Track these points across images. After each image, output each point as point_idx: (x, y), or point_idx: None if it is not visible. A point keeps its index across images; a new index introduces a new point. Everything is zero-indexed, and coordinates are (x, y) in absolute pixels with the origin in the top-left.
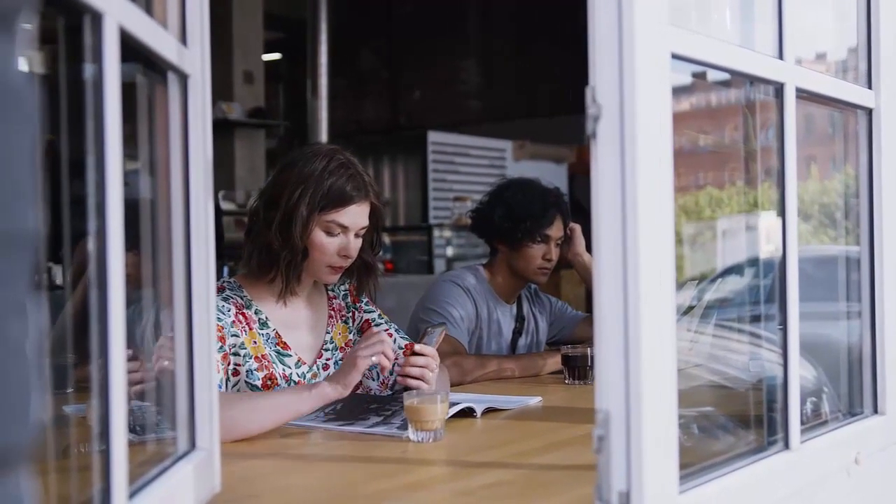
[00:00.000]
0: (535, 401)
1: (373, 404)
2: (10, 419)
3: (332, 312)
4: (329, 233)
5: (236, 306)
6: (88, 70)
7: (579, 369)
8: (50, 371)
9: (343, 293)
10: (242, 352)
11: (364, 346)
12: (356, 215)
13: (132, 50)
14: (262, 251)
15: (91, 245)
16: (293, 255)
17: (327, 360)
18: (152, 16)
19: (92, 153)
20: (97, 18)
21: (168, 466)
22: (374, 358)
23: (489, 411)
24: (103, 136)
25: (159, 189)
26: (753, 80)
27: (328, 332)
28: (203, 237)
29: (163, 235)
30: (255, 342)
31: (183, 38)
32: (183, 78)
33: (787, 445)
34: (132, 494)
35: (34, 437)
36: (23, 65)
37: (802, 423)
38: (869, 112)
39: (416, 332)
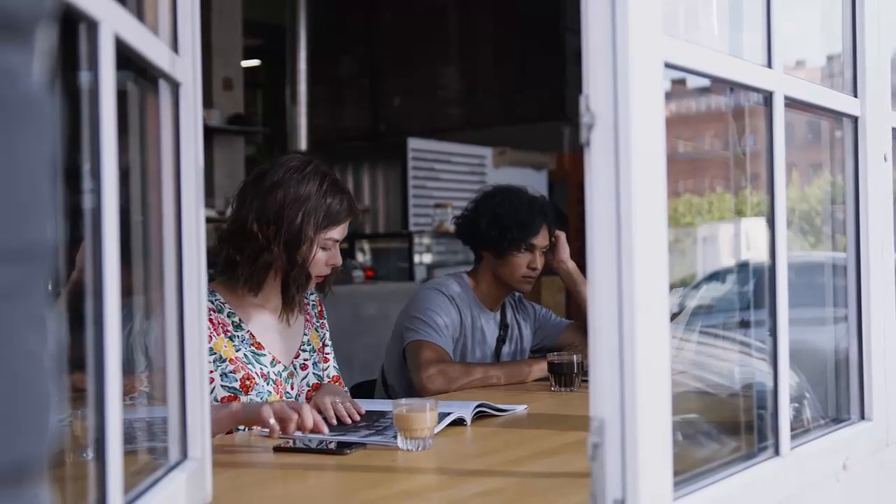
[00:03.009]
0: (521, 408)
1: (362, 421)
2: (31, 432)
3: (308, 316)
4: (324, 248)
5: None
6: (83, 77)
7: (565, 376)
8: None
9: (312, 303)
10: (212, 357)
11: (279, 411)
12: (346, 228)
13: (124, 57)
14: (261, 270)
15: (84, 253)
16: (302, 274)
17: (305, 360)
18: (144, 23)
19: (87, 161)
20: (93, 26)
21: (160, 477)
22: (272, 421)
23: (479, 416)
24: (99, 144)
25: (150, 197)
26: (743, 88)
27: (305, 334)
28: (195, 246)
29: (153, 244)
30: (225, 346)
31: (175, 46)
32: (175, 86)
33: (777, 452)
34: None
35: (52, 449)
36: (40, 76)
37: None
38: (854, 120)
39: (401, 341)
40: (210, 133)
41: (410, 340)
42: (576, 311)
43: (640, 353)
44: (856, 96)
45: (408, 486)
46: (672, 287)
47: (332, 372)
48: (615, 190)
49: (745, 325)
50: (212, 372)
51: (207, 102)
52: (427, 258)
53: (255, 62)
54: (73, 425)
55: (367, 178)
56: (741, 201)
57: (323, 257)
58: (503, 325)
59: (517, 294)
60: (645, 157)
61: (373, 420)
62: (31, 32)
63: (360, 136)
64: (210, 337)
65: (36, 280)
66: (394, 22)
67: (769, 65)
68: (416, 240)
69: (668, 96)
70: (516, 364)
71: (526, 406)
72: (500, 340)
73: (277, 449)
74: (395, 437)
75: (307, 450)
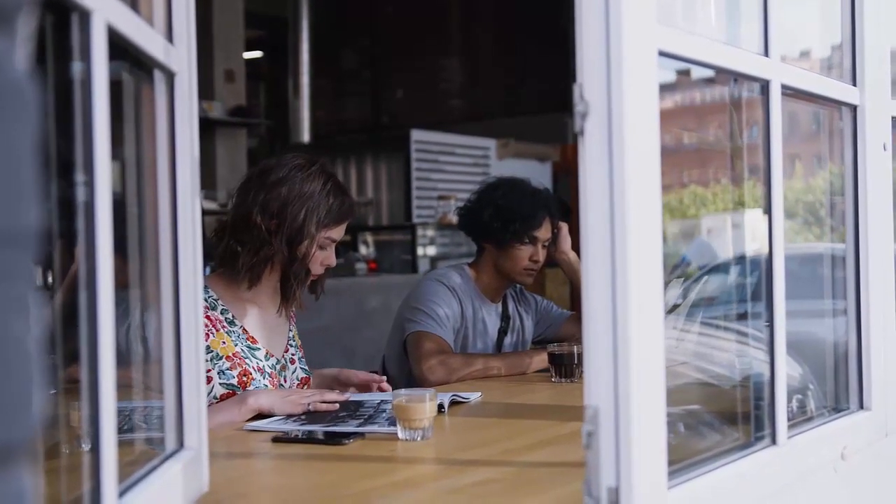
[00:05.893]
0: (476, 396)
1: (342, 411)
2: (14, 415)
3: (292, 313)
4: (322, 247)
5: None
6: (76, 68)
7: (566, 367)
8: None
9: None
10: (209, 355)
11: (308, 395)
12: (343, 230)
13: (118, 48)
14: (262, 263)
15: (79, 246)
16: (301, 269)
17: (292, 355)
18: (138, 13)
19: (80, 152)
20: (85, 16)
21: (156, 466)
22: (310, 406)
23: (454, 404)
24: (91, 136)
25: (145, 189)
26: (739, 76)
27: (291, 330)
28: (191, 237)
29: (149, 236)
30: (223, 342)
31: (169, 36)
32: (170, 76)
33: (774, 441)
34: (121, 493)
35: (36, 434)
36: (22, 62)
37: (788, 419)
38: (853, 108)
39: (402, 332)
40: (212, 125)
41: (411, 331)
42: (579, 302)
43: (634, 340)
44: (855, 85)
45: (406, 476)
46: (677, 278)
47: (300, 374)
48: (608, 179)
49: (746, 316)
50: (210, 371)
51: (209, 94)
52: (430, 250)
53: (257, 54)
54: (70, 416)
55: (370, 171)
56: (744, 193)
57: (319, 256)
58: (505, 317)
59: (518, 285)
60: (638, 147)
61: (353, 410)
62: (13, 19)
63: (363, 129)
64: (208, 335)
65: (19, 265)
66: (396, 14)
67: (766, 53)
68: (420, 232)
69: (673, 87)
70: (517, 355)
71: (480, 393)
72: (502, 332)
73: (275, 439)
74: (392, 421)
75: (305, 440)
